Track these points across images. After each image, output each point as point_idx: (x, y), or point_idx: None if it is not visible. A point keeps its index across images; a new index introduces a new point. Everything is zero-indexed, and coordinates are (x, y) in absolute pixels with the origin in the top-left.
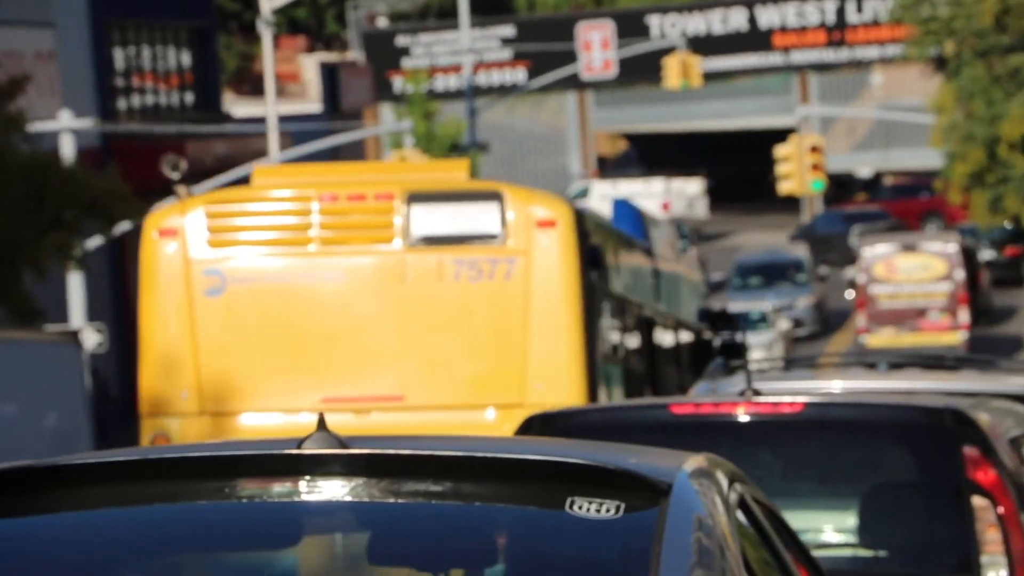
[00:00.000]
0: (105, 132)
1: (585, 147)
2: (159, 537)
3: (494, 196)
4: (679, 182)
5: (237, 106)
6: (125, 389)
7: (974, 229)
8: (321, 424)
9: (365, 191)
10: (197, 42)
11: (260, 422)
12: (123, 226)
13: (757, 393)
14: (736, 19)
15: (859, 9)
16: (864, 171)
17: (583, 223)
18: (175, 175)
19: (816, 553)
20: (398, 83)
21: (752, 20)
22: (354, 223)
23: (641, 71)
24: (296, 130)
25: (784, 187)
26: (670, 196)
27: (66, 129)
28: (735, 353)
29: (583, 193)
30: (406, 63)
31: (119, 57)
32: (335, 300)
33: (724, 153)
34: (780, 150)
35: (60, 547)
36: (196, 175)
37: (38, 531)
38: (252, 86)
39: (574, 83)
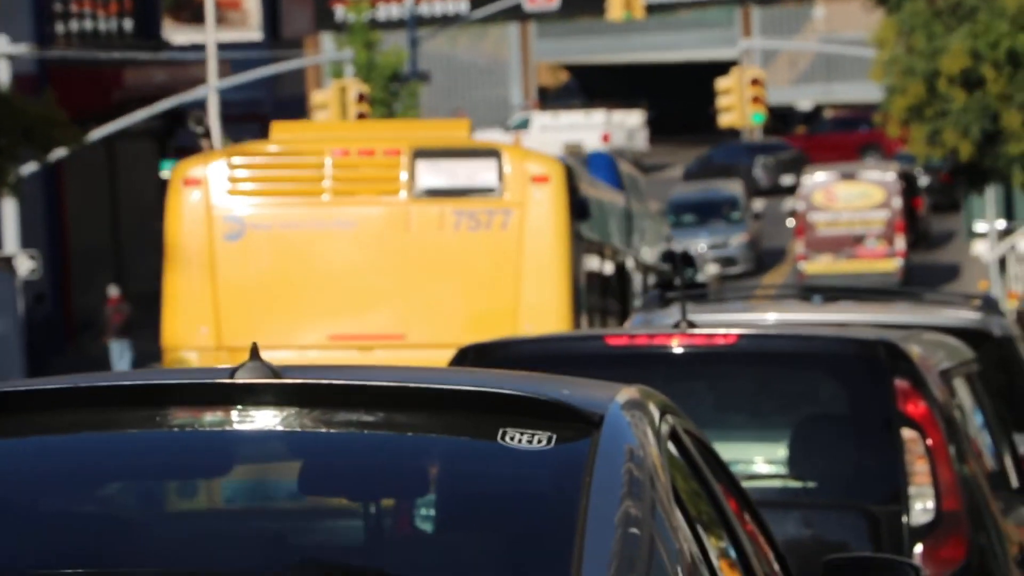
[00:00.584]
0: (42, 58)
1: (527, 78)
2: (88, 466)
3: (493, 153)
4: (620, 114)
5: (176, 33)
6: (60, 315)
7: (912, 157)
8: (254, 354)
9: (374, 147)
10: None
11: (271, 358)
12: (59, 152)
13: (692, 325)
14: None
15: None
16: (804, 104)
17: (572, 178)
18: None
19: (747, 484)
20: (339, 12)
21: None
22: (363, 176)
23: (584, 3)
24: (236, 58)
25: (725, 119)
26: (610, 128)
27: (2, 55)
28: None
29: (523, 124)
30: None
31: None
32: (344, 246)
33: (665, 85)
34: (721, 83)
35: None
36: (134, 102)
37: None
38: (192, 13)
39: (516, 14)
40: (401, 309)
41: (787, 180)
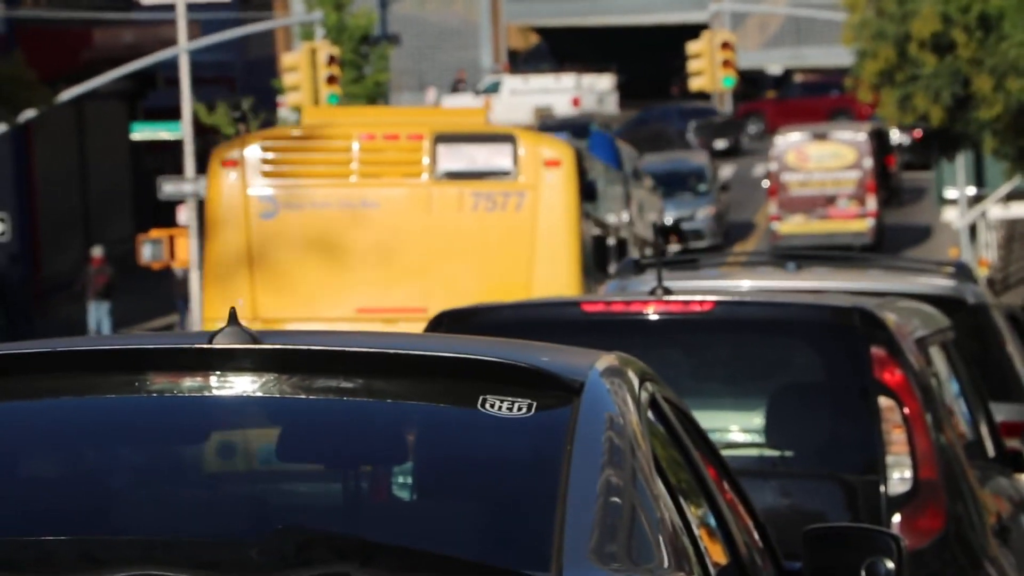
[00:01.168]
0: (10, 18)
1: (497, 41)
2: (65, 430)
3: (508, 139)
4: (590, 78)
5: None
6: (29, 279)
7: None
8: (232, 319)
9: (398, 132)
10: None
11: (301, 329)
12: (28, 113)
13: (667, 292)
14: None
15: None
16: (774, 68)
17: (581, 162)
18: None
19: (724, 453)
20: None
21: None
22: (388, 159)
23: None
24: (205, 19)
25: (695, 83)
26: (580, 92)
27: None
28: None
29: (494, 87)
30: None
31: None
32: (370, 225)
33: (635, 49)
34: (692, 47)
35: None
36: (103, 63)
37: None
38: None
39: None
40: (423, 284)
41: (720, 144)
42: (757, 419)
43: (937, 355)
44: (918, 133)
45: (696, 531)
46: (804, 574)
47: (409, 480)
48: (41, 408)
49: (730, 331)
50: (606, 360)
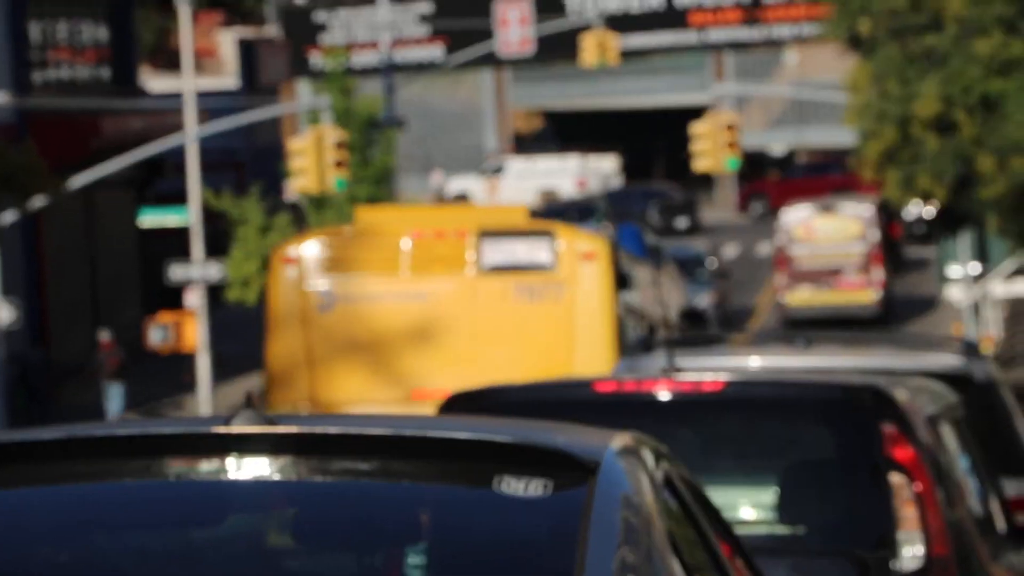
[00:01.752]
0: (21, 107)
1: (501, 124)
2: (85, 516)
3: (547, 234)
4: (594, 159)
5: (154, 81)
6: (43, 363)
7: None
8: (248, 402)
9: (445, 229)
10: (114, 16)
11: (357, 411)
12: (39, 201)
13: (679, 371)
14: None
15: None
16: (777, 149)
17: (615, 254)
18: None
19: (736, 530)
20: (315, 59)
21: None
22: (436, 254)
23: (558, 49)
24: (213, 106)
25: (700, 164)
26: (585, 173)
27: None
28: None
29: (499, 170)
30: (323, 39)
31: (35, 31)
32: (421, 315)
33: (639, 131)
34: (696, 128)
35: None
36: (112, 150)
37: None
38: (169, 61)
39: (491, 60)
40: (471, 369)
41: (681, 223)
42: (769, 497)
43: (947, 432)
44: (931, 207)
45: None
46: None
47: (427, 561)
48: (60, 494)
49: (742, 410)
50: (621, 439)
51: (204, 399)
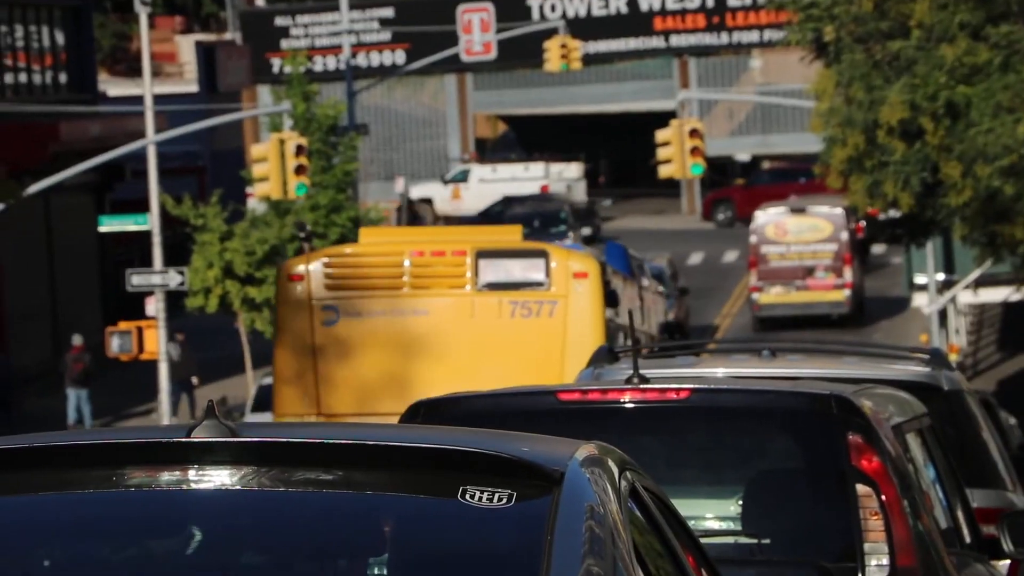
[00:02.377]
0: None
1: (464, 130)
2: (45, 526)
3: (541, 254)
4: (558, 166)
5: (112, 86)
6: (10, 369)
7: None
8: (210, 412)
9: (444, 248)
10: (71, 21)
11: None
12: None
13: (644, 380)
14: (616, 2)
15: None
16: (742, 155)
17: (605, 273)
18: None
19: (701, 540)
20: (276, 64)
21: (632, 3)
22: (435, 273)
23: (521, 54)
24: (173, 111)
25: (664, 171)
26: (549, 180)
27: None
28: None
29: (462, 176)
30: (285, 44)
31: None
32: (421, 331)
33: (604, 137)
34: (661, 134)
35: None
36: (70, 156)
37: None
38: (127, 66)
39: (454, 65)
40: (467, 382)
41: (585, 231)
42: (734, 506)
43: (913, 441)
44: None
45: None
46: None
47: (388, 572)
48: (19, 504)
49: (707, 419)
50: (586, 449)
51: (164, 407)
